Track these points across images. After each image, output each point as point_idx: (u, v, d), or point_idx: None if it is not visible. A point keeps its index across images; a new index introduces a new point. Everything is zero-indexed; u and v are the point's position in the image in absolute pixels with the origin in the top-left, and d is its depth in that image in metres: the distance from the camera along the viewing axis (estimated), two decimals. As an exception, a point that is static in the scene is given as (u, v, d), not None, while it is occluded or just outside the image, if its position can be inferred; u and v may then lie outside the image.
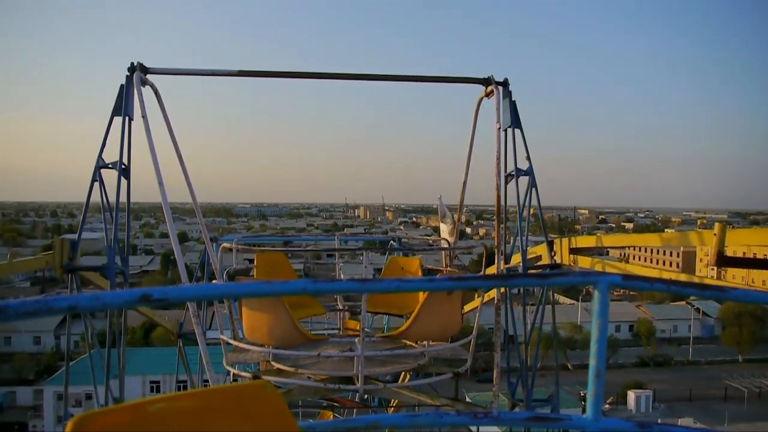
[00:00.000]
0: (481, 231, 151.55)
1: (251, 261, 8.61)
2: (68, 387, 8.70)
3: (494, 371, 7.57)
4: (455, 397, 7.12)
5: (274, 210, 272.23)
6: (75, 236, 8.63)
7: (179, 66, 9.07)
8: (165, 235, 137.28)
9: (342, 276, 11.47)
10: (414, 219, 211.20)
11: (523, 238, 8.38)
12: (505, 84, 8.29)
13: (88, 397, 44.02)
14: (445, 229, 9.51)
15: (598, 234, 10.05)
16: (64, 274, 8.18)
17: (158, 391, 45.37)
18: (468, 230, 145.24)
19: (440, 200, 10.03)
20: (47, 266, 8.52)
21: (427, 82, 9.50)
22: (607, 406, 47.43)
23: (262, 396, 2.01)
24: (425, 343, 7.31)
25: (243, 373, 7.26)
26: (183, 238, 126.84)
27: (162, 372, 43.17)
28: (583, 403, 47.51)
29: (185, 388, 38.45)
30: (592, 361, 1.95)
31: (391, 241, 15.26)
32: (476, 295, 9.09)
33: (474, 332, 7.29)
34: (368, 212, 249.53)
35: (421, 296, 7.03)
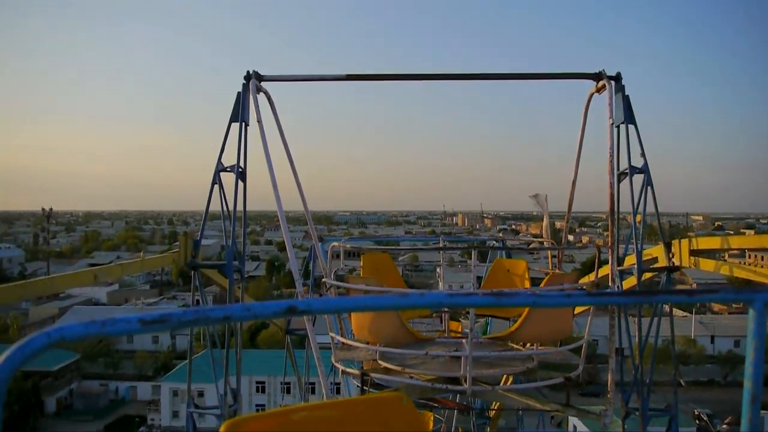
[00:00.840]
0: (585, 239, 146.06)
1: (350, 269, 8.75)
2: (189, 384, 9.17)
3: (609, 376, 7.22)
4: (567, 403, 6.84)
5: (372, 218, 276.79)
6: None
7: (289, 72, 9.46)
8: (269, 242, 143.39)
9: (441, 283, 11.39)
10: (513, 226, 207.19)
11: (638, 240, 7.91)
12: (617, 78, 7.98)
13: (200, 394, 46.64)
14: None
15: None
16: (188, 270, 8.66)
17: (263, 391, 47.27)
18: (571, 238, 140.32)
19: (545, 198, 9.79)
20: (173, 263, 9.04)
21: (531, 80, 9.29)
22: (725, 426, 44.04)
23: (398, 407, 2.12)
24: (533, 346, 7.16)
25: (350, 370, 7.33)
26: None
27: (267, 373, 45.01)
28: (697, 422, 44.40)
29: (289, 389, 39.67)
30: (747, 384, 1.77)
31: (494, 242, 14.92)
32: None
33: (585, 336, 6.99)
34: (466, 219, 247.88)
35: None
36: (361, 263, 8.48)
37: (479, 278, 10.49)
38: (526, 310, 6.71)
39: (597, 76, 8.12)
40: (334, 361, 7.29)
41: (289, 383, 44.73)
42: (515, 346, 7.31)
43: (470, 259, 8.75)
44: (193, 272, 8.61)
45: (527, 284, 8.13)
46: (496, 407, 13.38)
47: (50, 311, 70.62)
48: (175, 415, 47.14)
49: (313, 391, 18.38)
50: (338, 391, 15.39)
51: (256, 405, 46.37)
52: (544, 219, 10.24)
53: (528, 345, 7.28)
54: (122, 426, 46.95)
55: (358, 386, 7.28)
